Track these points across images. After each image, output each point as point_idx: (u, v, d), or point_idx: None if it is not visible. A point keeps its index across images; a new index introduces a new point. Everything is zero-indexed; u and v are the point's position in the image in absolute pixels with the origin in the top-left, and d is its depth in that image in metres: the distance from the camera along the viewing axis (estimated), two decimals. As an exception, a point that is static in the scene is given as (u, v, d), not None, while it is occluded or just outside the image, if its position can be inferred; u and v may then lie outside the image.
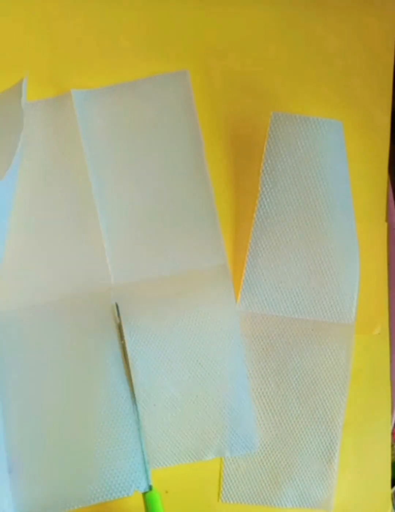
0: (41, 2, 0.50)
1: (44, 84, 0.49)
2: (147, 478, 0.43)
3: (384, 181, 0.50)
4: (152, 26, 0.50)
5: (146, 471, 0.43)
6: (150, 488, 0.42)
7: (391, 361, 0.47)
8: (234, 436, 0.44)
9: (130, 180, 0.47)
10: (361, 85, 0.51)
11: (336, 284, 0.46)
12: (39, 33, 0.50)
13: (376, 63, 0.51)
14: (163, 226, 0.47)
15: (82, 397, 0.43)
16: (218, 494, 0.45)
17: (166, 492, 0.44)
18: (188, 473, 0.45)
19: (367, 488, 0.46)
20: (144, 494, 0.42)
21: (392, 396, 0.47)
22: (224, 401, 0.44)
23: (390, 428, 0.47)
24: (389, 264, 0.49)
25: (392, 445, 0.47)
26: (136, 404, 0.43)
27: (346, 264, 0.46)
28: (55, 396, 0.44)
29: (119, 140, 0.48)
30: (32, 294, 0.45)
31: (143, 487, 0.42)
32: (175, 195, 0.47)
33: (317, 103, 0.50)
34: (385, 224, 0.48)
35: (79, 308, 0.45)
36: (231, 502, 0.45)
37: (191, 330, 0.45)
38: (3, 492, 0.42)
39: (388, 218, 0.49)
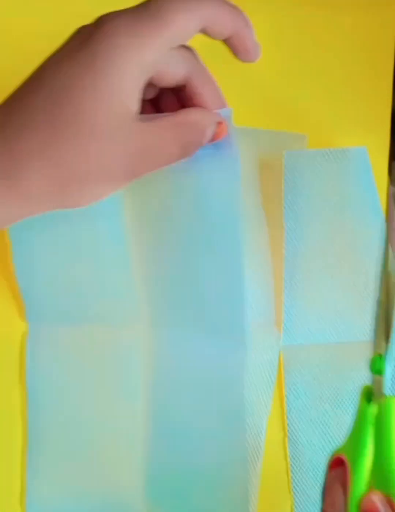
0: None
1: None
2: None
3: (384, 181, 0.48)
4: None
5: None
6: None
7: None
8: None
9: None
10: (360, 84, 0.49)
11: (376, 302, 0.46)
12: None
13: (376, 62, 0.50)
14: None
15: None
16: None
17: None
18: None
19: None
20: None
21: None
22: None
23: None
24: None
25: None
26: None
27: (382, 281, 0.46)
28: None
29: None
30: None
31: None
32: None
33: (316, 103, 0.49)
34: (385, 225, 0.48)
35: None
36: None
37: None
38: None
39: (388, 219, 0.48)
